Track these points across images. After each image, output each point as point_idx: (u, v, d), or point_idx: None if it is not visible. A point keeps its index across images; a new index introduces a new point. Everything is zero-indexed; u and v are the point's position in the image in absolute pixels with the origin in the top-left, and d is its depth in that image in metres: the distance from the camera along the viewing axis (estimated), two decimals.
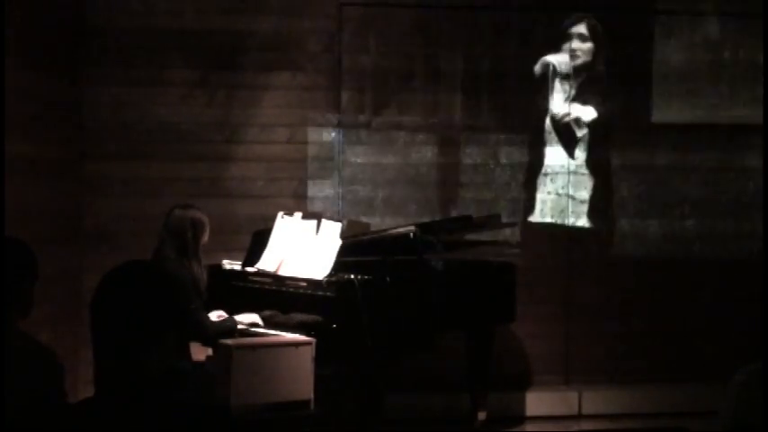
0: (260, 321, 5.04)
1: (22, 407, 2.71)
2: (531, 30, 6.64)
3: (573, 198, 5.86)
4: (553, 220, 5.90)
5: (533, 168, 6.29)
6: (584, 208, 5.76)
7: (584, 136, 5.88)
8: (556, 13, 6.66)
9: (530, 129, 6.60)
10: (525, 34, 6.64)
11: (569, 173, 6.06)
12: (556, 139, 6.23)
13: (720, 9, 6.10)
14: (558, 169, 6.24)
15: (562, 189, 5.86)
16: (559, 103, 6.21)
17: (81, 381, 5.71)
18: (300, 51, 6.48)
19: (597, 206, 6.01)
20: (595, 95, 6.14)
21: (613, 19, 6.40)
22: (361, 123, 6.57)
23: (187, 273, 4.86)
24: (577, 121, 5.91)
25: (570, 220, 5.80)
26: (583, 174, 6.09)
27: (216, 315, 5.05)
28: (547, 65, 6.14)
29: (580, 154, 6.14)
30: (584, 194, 5.79)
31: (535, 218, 6.09)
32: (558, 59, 6.00)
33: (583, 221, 5.79)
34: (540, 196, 6.09)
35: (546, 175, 6.01)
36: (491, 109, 6.68)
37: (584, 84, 6.16)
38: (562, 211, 5.96)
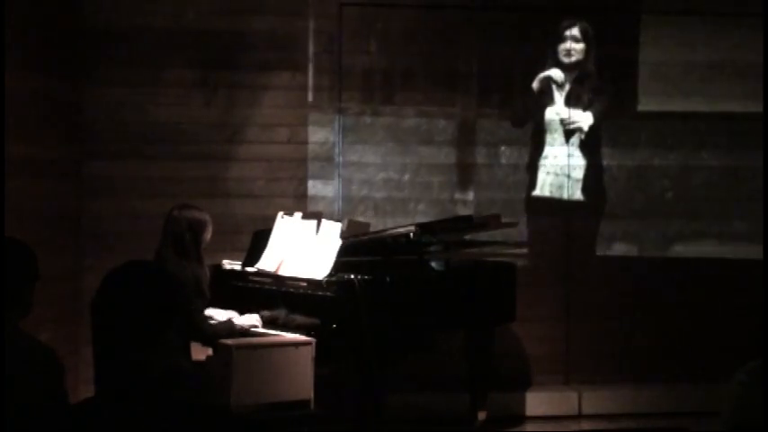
0: (259, 324, 5.02)
1: (23, 407, 2.71)
2: (531, 29, 6.67)
3: (569, 177, 6.29)
4: (552, 195, 6.36)
5: (536, 151, 6.51)
6: (580, 185, 6.29)
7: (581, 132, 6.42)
8: (554, 14, 6.69)
9: (530, 129, 6.66)
10: (524, 34, 6.66)
11: (568, 156, 6.39)
12: (555, 129, 6.47)
13: (699, 10, 6.48)
14: (557, 153, 6.46)
15: (561, 170, 6.30)
16: (561, 109, 6.47)
17: (81, 381, 5.71)
18: (300, 51, 6.48)
19: (589, 183, 6.43)
20: (587, 89, 6.43)
21: (604, 19, 6.58)
22: (361, 123, 6.57)
23: (188, 273, 4.85)
24: (579, 129, 6.40)
25: (567, 195, 6.33)
26: (578, 156, 6.42)
27: (225, 315, 5.04)
28: (546, 79, 6.41)
29: (575, 140, 6.47)
30: (579, 173, 6.31)
31: (537, 193, 6.45)
32: (554, 73, 6.39)
33: (578, 195, 6.32)
34: (541, 175, 6.45)
35: (546, 157, 6.38)
36: (491, 108, 6.69)
37: (578, 79, 6.44)
38: (560, 187, 6.34)
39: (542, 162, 6.49)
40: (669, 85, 6.48)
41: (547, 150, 6.50)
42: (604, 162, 6.62)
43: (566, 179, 6.44)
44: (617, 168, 6.61)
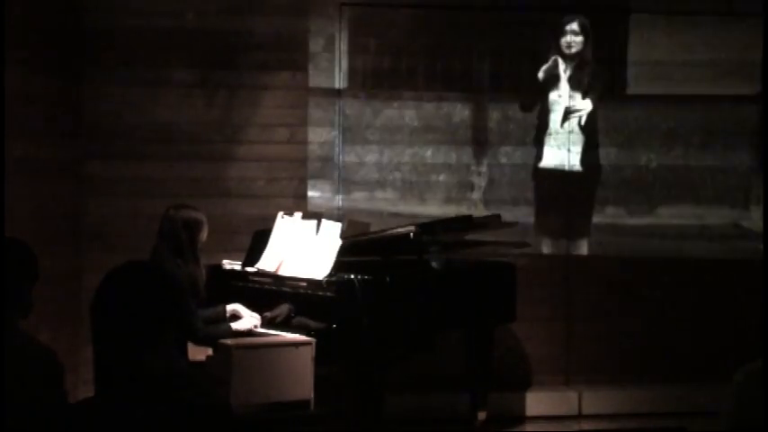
0: (258, 323, 5.00)
1: (23, 407, 2.71)
2: (531, 29, 6.71)
3: (570, 150, 6.77)
4: (555, 167, 6.79)
5: (542, 130, 6.80)
6: (578, 157, 6.78)
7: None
8: (554, 13, 6.73)
9: (530, 129, 6.75)
10: (525, 33, 6.70)
11: (568, 133, 6.78)
12: (558, 110, 6.81)
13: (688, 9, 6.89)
14: (559, 131, 6.80)
15: (563, 145, 6.77)
16: (563, 93, 6.79)
17: (81, 381, 5.71)
18: (300, 51, 6.48)
19: (586, 157, 6.81)
20: (586, 76, 6.81)
21: (598, 16, 6.87)
22: (362, 123, 6.57)
23: (183, 273, 4.84)
24: (581, 115, 6.83)
25: (568, 166, 6.80)
26: (577, 133, 6.81)
27: (230, 309, 5.04)
28: (551, 68, 6.78)
29: (575, 120, 6.88)
30: (578, 148, 6.80)
31: (542, 165, 6.81)
32: (559, 61, 6.82)
33: (577, 167, 6.79)
34: (545, 150, 6.81)
35: (550, 134, 6.79)
36: (491, 109, 6.71)
37: (577, 67, 6.79)
38: (562, 160, 6.77)
39: (547, 139, 6.79)
40: (654, 72, 6.94)
41: (551, 128, 6.79)
42: (599, 138, 6.84)
43: (566, 153, 6.74)
44: (609, 143, 6.84)
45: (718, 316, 6.71)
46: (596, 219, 6.81)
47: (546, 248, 6.80)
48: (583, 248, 6.82)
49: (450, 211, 6.59)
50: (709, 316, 6.73)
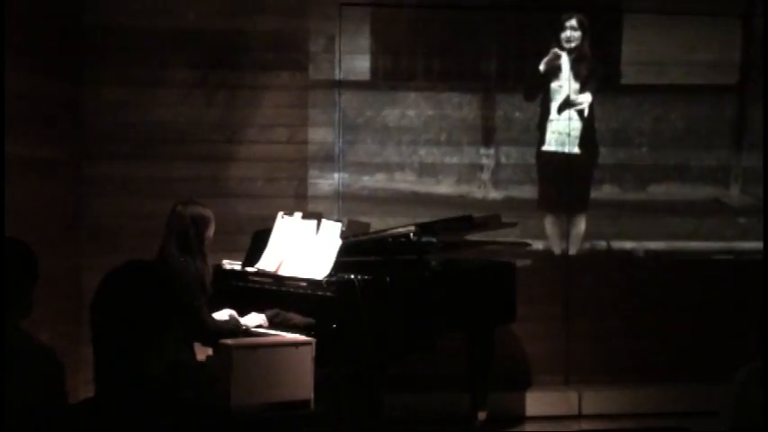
0: (265, 323, 5.02)
1: (23, 407, 2.71)
2: (530, 28, 6.73)
3: (569, 135, 7.00)
4: (556, 150, 7.01)
5: (543, 116, 6.96)
6: (577, 141, 7.02)
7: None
8: (553, 12, 6.78)
9: (533, 116, 6.86)
10: (524, 33, 6.71)
11: (568, 119, 6.98)
12: (559, 99, 7.00)
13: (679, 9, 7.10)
14: (560, 117, 6.98)
15: (563, 129, 7.00)
16: (563, 83, 6.97)
17: (81, 381, 5.70)
18: (300, 51, 6.49)
19: (584, 141, 7.01)
20: (584, 68, 7.00)
21: (596, 14, 7.01)
22: (361, 123, 6.57)
23: (191, 269, 4.85)
24: (582, 107, 7.06)
25: (568, 149, 7.03)
26: (576, 119, 7.02)
27: (227, 314, 5.03)
28: (551, 60, 6.97)
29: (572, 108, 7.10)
30: (577, 133, 7.06)
31: (544, 148, 6.98)
32: (560, 53, 7.07)
33: (576, 150, 7.02)
34: (547, 135, 7.01)
35: (552, 121, 6.99)
36: (491, 108, 6.71)
37: (576, 60, 6.98)
38: (563, 144, 6.98)
39: (548, 125, 6.97)
40: (645, 64, 7.16)
41: (552, 115, 6.97)
42: (596, 124, 6.98)
43: (567, 137, 6.93)
44: (605, 128, 7.01)
45: (719, 316, 6.71)
46: (593, 195, 6.99)
47: (548, 225, 6.92)
48: (581, 224, 6.95)
49: (462, 191, 6.75)
50: (710, 316, 6.73)
